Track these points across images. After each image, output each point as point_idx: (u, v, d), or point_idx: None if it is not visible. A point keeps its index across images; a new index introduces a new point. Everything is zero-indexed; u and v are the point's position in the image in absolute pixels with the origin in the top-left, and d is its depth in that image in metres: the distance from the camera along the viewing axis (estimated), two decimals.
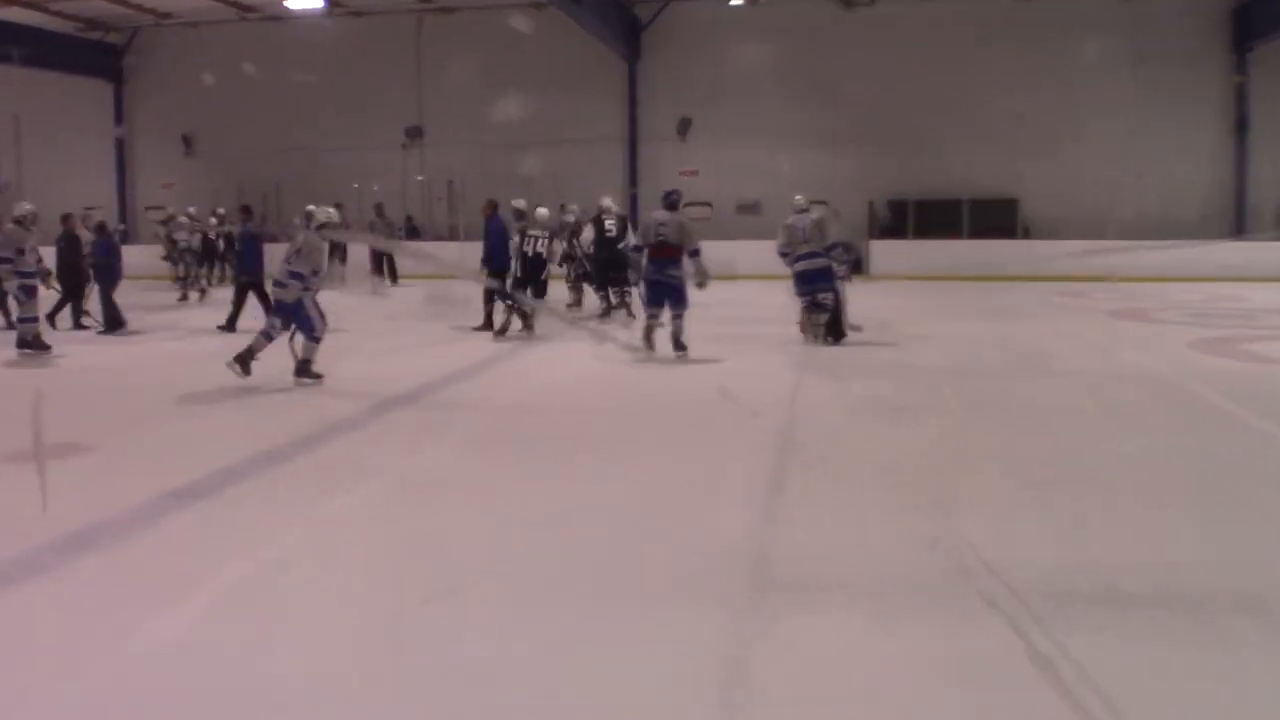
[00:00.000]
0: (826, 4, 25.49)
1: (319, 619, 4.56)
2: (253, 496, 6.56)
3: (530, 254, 14.54)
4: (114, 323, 14.88)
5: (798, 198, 13.93)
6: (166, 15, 28.77)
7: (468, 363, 12.17)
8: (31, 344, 12.77)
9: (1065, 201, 24.03)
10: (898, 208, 25.50)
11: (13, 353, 12.76)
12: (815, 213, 13.68)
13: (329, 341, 11.01)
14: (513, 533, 5.73)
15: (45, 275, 13.98)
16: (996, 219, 24.56)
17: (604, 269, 16.78)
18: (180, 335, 14.94)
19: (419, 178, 27.94)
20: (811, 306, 13.08)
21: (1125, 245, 21.91)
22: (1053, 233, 24.03)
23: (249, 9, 27.90)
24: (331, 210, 11.48)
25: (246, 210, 16.33)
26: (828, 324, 13.12)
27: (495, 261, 14.87)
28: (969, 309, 17.95)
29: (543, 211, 15.28)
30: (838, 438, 8.02)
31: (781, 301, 14.52)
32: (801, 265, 13.03)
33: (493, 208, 15.34)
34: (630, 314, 15.98)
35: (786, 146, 25.21)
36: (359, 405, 9.53)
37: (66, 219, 15.66)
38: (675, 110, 26.60)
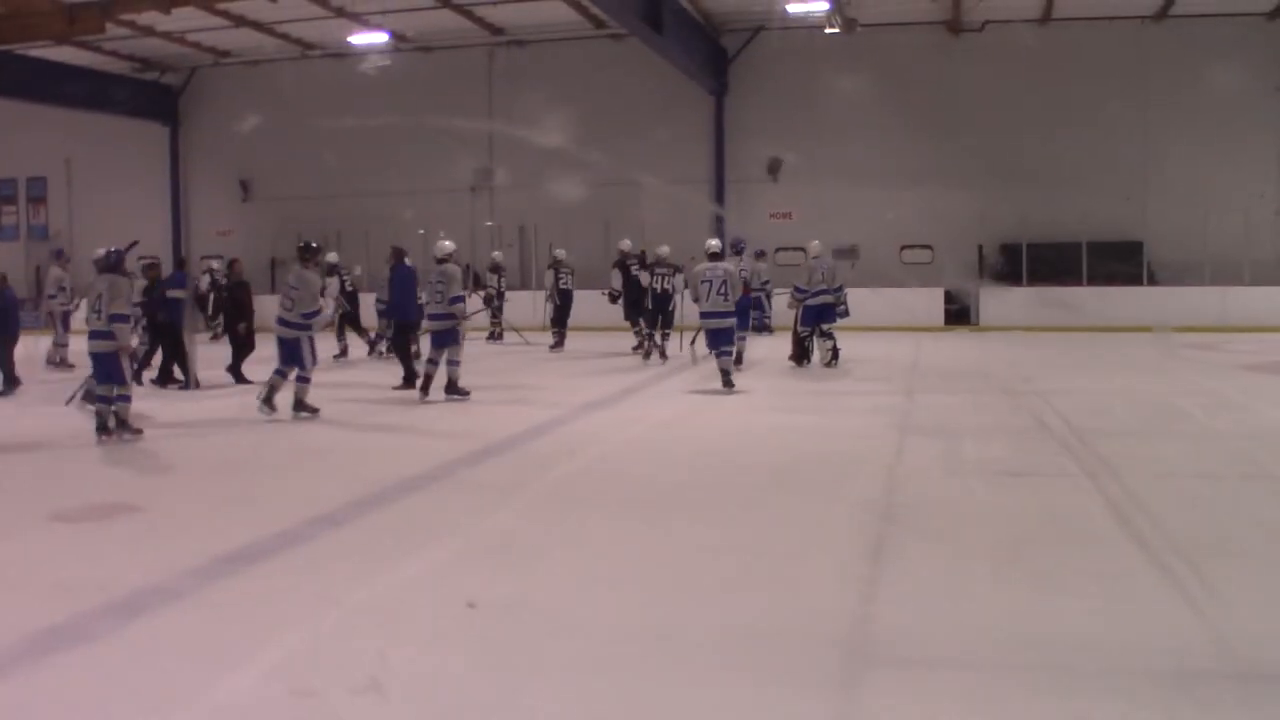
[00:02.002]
0: (931, 31, 25.51)
1: (376, 692, 4.59)
2: (311, 562, 6.68)
3: (659, 290, 17.39)
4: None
5: (814, 243, 16.76)
6: (225, 54, 29.71)
7: (546, 416, 12.44)
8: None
9: (1195, 243, 23.51)
10: (1010, 252, 25.31)
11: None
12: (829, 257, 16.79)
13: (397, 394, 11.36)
14: (593, 595, 5.79)
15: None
16: (1118, 263, 24.25)
17: (634, 310, 19.17)
18: (237, 392, 15.17)
19: (488, 223, 28.30)
20: (821, 335, 16.42)
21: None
22: (1180, 278, 23.65)
23: (311, 46, 28.68)
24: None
25: (398, 252, 16.67)
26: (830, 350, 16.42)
27: (399, 312, 15.72)
28: (1089, 362, 17.81)
29: (665, 249, 17.61)
30: (946, 504, 7.97)
31: (886, 353, 14.77)
32: (815, 301, 16.14)
33: (398, 255, 16.24)
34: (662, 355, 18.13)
35: (887, 186, 25.25)
36: (428, 462, 9.73)
37: (151, 268, 16.23)
38: (766, 148, 26.76)
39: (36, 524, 7.66)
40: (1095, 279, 24.09)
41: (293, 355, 12.05)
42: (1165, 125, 24.65)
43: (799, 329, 16.70)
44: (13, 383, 15.25)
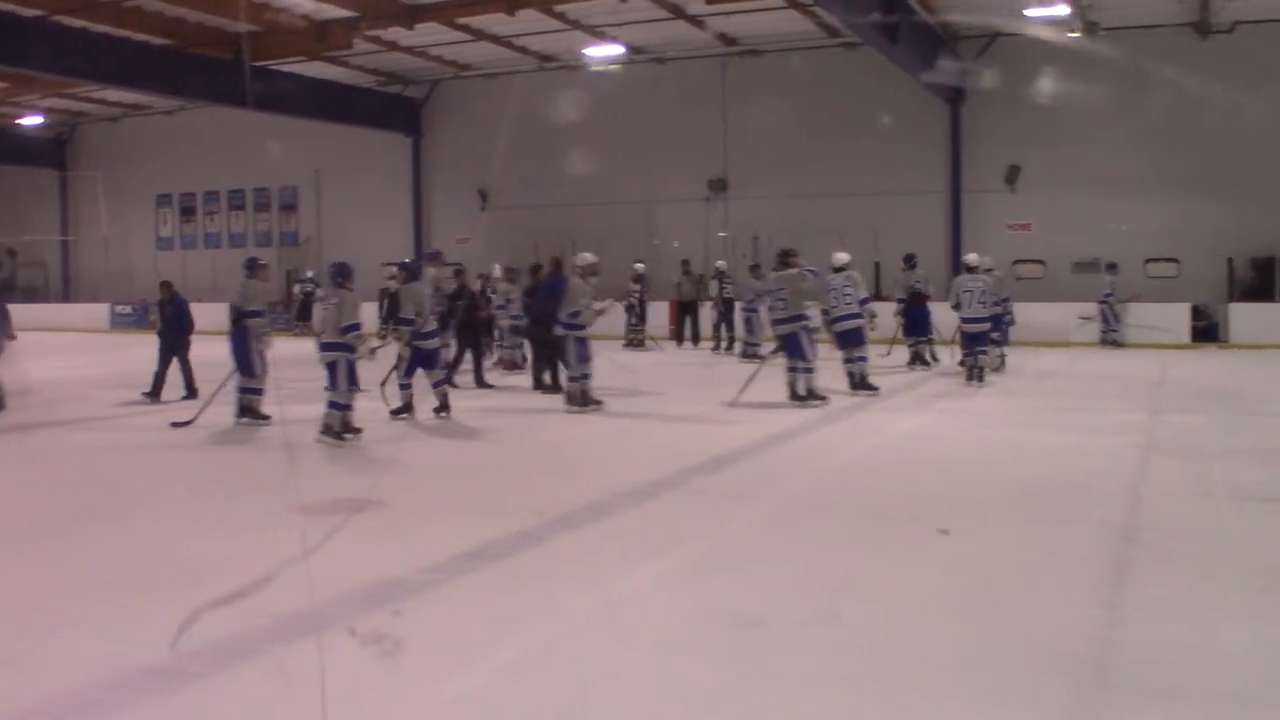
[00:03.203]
0: (1177, 33, 25.25)
1: (610, 692, 4.90)
2: (547, 563, 7.10)
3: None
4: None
5: (839, 255, 16.15)
6: (465, 67, 31.69)
7: (781, 427, 12.79)
8: (248, 412, 13.99)
9: None
10: (1262, 265, 25.01)
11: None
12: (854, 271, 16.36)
13: (628, 404, 12.23)
14: (826, 609, 5.96)
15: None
16: None
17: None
18: (476, 396, 16.38)
19: (721, 234, 29.31)
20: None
21: None
22: None
23: (548, 58, 30.31)
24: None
25: (556, 261, 18.13)
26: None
27: (543, 322, 16.24)
28: None
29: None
30: (1194, 528, 7.86)
31: (1129, 370, 14.79)
32: (842, 326, 15.70)
33: (556, 265, 17.40)
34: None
35: (1130, 196, 25.32)
36: (663, 469, 10.21)
37: (460, 273, 18.03)
38: (1003, 156, 26.88)
39: (284, 517, 8.13)
40: None
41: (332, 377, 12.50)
42: None
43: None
44: (193, 392, 15.86)
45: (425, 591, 6.50)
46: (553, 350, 16.15)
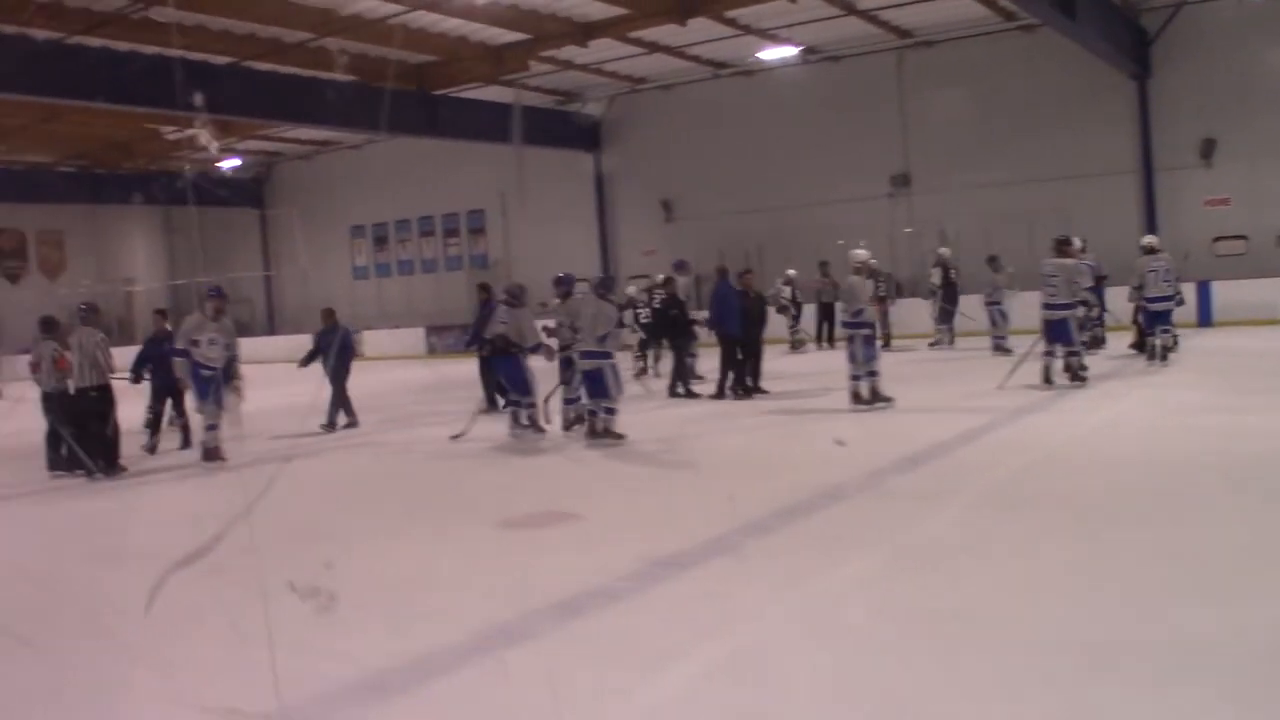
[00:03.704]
0: None
1: (810, 697, 4.97)
2: (740, 568, 7.24)
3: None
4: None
5: (858, 251, 15.45)
6: (641, 80, 32.32)
7: (975, 422, 12.80)
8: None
9: None
10: None
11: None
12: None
13: (815, 403, 12.51)
14: (1027, 606, 6.00)
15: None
16: None
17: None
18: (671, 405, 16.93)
19: (907, 229, 29.25)
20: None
21: None
22: None
23: (721, 65, 30.67)
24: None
25: (722, 270, 18.55)
26: None
27: (722, 328, 16.78)
28: None
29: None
30: None
31: None
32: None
33: (722, 274, 17.67)
34: None
35: None
36: (853, 470, 10.30)
37: (670, 283, 18.46)
38: (1197, 131, 26.07)
39: (486, 529, 8.88)
40: None
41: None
42: None
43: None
44: (351, 417, 16.65)
45: (623, 600, 6.68)
46: (745, 355, 16.81)
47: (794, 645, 5.67)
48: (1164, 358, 16.75)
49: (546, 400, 14.54)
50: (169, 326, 16.17)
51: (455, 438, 14.33)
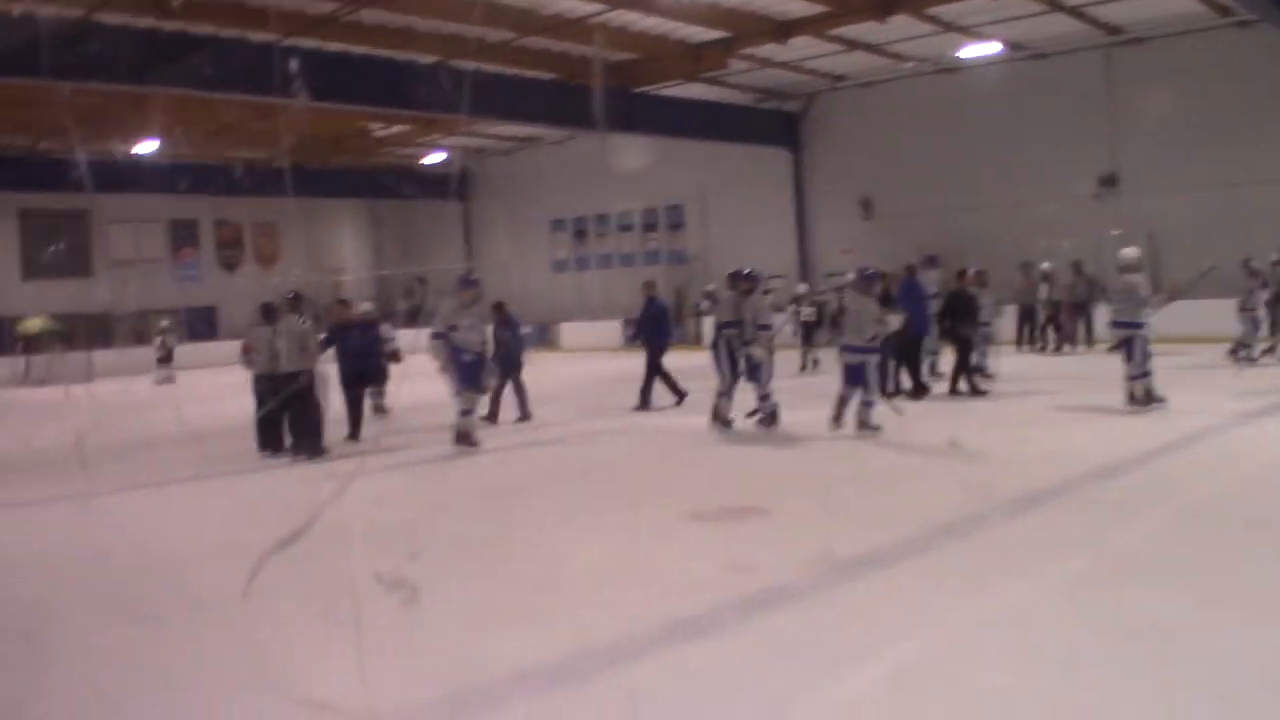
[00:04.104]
0: None
1: (995, 706, 5.01)
2: (930, 571, 7.32)
3: None
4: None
5: (1126, 251, 15.15)
6: (841, 78, 32.35)
7: (1175, 434, 12.60)
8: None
9: None
10: None
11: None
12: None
13: (1005, 407, 12.93)
14: (1229, 622, 5.93)
15: None
16: None
17: None
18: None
19: (1114, 231, 28.62)
20: None
21: None
22: None
23: (923, 62, 30.45)
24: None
25: (910, 268, 18.76)
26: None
27: (911, 326, 16.51)
28: None
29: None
30: None
31: None
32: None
33: (910, 271, 18.17)
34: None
35: None
36: (1052, 478, 10.27)
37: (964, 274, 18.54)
38: None
39: (678, 522, 9.11)
40: None
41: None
42: None
43: None
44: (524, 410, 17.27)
45: (809, 597, 6.81)
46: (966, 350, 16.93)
47: (980, 654, 5.67)
48: None
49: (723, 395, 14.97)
50: (352, 317, 17.14)
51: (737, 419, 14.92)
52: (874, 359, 13.73)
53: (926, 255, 20.64)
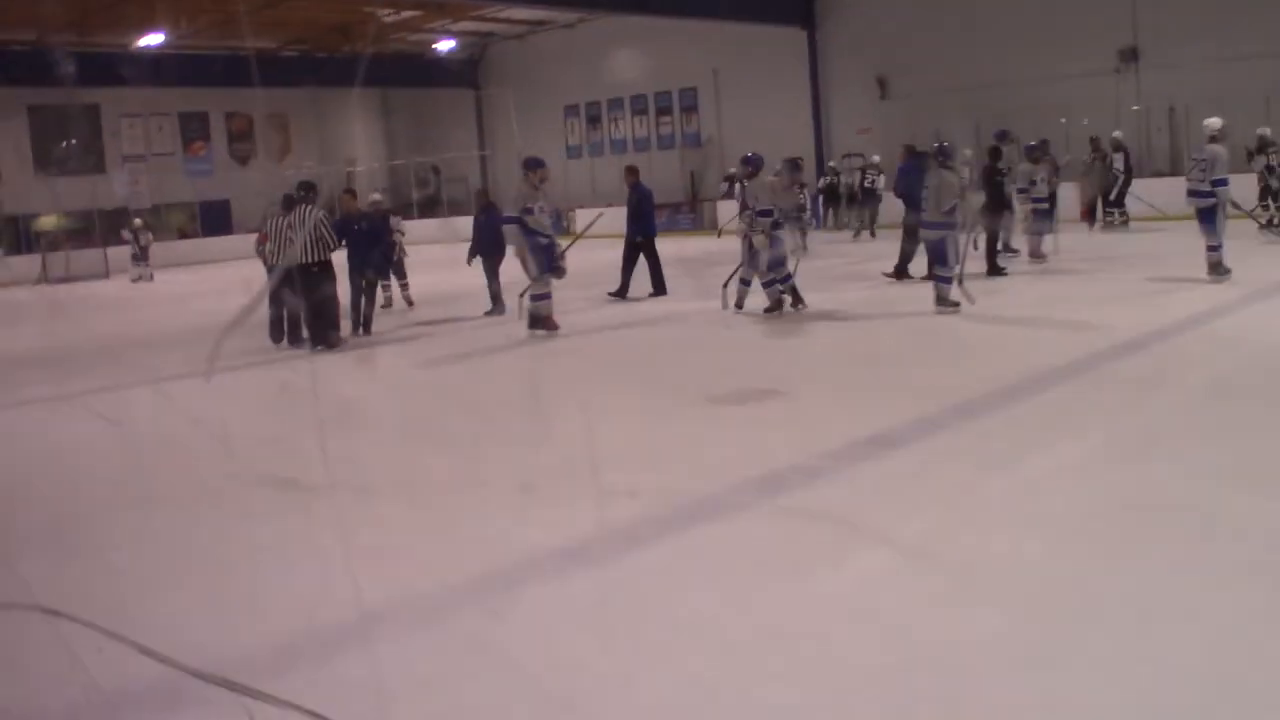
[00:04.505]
0: None
1: (1003, 581, 4.98)
2: (948, 450, 7.28)
3: None
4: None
5: (1211, 120, 14.69)
6: None
7: (1190, 310, 12.36)
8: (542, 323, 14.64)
9: None
10: None
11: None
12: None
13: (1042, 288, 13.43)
14: (1244, 496, 5.85)
15: None
16: None
17: None
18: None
19: (1134, 107, 28.37)
20: None
21: None
22: None
23: None
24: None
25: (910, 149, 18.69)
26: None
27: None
28: None
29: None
30: None
31: None
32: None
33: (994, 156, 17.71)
34: None
35: None
36: (1069, 355, 10.15)
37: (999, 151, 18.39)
38: None
39: (696, 407, 9.10)
40: None
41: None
42: None
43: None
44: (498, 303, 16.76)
45: (825, 476, 6.82)
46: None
47: (992, 528, 5.66)
48: None
49: (725, 284, 14.99)
50: (361, 207, 17.34)
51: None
52: (952, 234, 13.55)
53: (999, 130, 20.37)
